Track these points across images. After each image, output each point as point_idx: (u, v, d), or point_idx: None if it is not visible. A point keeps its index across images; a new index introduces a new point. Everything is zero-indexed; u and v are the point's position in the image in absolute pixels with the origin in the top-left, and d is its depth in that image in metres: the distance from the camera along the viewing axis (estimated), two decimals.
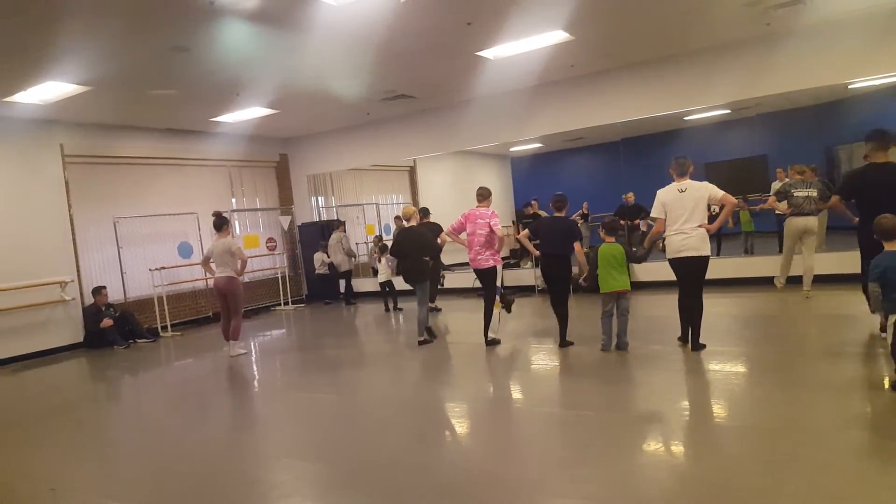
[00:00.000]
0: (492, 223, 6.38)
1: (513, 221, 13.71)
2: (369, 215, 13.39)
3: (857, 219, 5.39)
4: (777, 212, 7.53)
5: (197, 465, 4.06)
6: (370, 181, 13.51)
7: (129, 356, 8.49)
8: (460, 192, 12.12)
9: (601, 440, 3.76)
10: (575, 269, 6.10)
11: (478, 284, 6.97)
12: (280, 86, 8.55)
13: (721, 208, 5.43)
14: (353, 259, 11.72)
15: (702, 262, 5.33)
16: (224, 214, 7.58)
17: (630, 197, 11.50)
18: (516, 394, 5.17)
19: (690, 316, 5.49)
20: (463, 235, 6.69)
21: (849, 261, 5.60)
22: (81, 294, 9.39)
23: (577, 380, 5.25)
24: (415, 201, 12.94)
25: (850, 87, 8.33)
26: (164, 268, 10.01)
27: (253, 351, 7.97)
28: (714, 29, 7.86)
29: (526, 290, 10.48)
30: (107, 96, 8.02)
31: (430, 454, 3.89)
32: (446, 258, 9.40)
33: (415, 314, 7.17)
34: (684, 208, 5.29)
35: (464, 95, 10.30)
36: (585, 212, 12.46)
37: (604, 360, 5.61)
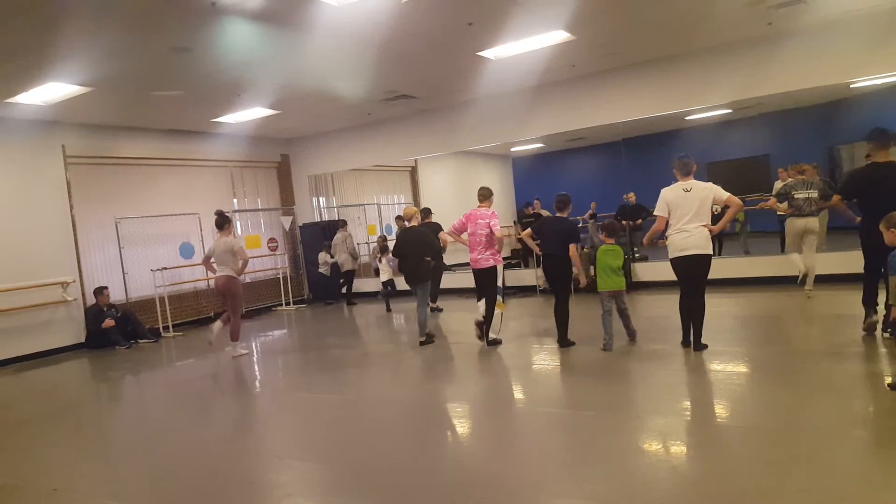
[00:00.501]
0: (491, 224, 6.38)
1: (514, 221, 13.69)
2: (370, 215, 13.39)
3: (858, 218, 5.38)
4: (779, 213, 7.52)
5: (198, 466, 4.07)
6: (371, 181, 13.51)
7: (131, 356, 8.50)
8: (461, 193, 12.11)
9: (603, 440, 3.76)
10: (575, 271, 6.11)
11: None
12: (281, 86, 8.55)
13: (724, 209, 5.42)
14: (356, 259, 11.72)
15: (704, 260, 5.31)
16: (226, 213, 7.59)
17: (631, 197, 11.48)
18: (518, 394, 5.17)
19: (693, 316, 5.47)
20: (464, 236, 6.69)
21: (850, 261, 5.60)
22: (83, 294, 9.40)
23: (579, 380, 5.25)
24: (416, 201, 12.92)
25: (852, 86, 8.31)
26: (165, 268, 10.02)
27: (254, 351, 7.98)
28: (715, 28, 7.86)
29: (527, 290, 10.48)
30: (108, 97, 8.04)
31: (431, 454, 3.89)
32: (448, 258, 9.40)
33: (414, 314, 7.17)
34: (689, 207, 5.28)
35: (465, 95, 10.29)
36: (593, 212, 12.43)
37: (605, 359, 5.61)
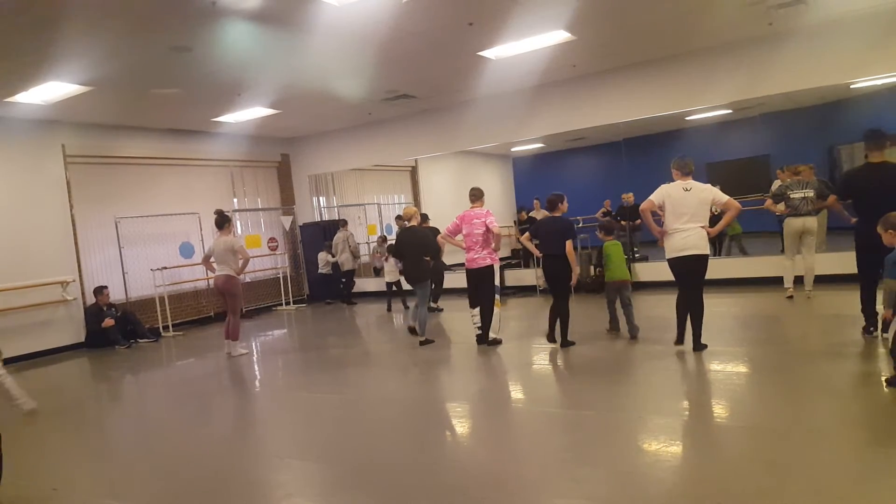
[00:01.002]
0: (488, 221, 6.41)
1: (514, 222, 13.69)
2: (371, 215, 13.39)
3: (854, 219, 5.39)
4: (777, 213, 7.53)
5: (199, 465, 4.07)
6: (371, 181, 13.50)
7: (131, 356, 8.50)
8: (462, 192, 11.99)
9: (602, 440, 3.76)
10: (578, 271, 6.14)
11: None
12: (282, 86, 8.55)
13: (722, 211, 5.42)
14: (357, 259, 11.71)
15: (702, 260, 5.31)
16: (226, 213, 7.59)
17: (629, 197, 11.48)
18: (517, 394, 5.17)
19: (691, 317, 5.45)
20: (459, 237, 6.70)
21: (850, 261, 5.58)
22: (83, 294, 9.40)
23: (579, 379, 5.25)
24: (416, 201, 12.92)
25: (852, 86, 8.31)
26: (165, 268, 10.02)
27: (254, 351, 7.98)
28: (716, 28, 7.85)
29: (527, 290, 10.48)
30: (108, 96, 8.03)
31: (431, 454, 3.89)
32: (448, 258, 9.40)
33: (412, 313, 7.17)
34: (687, 207, 5.28)
35: (465, 95, 10.29)
36: (608, 209, 12.39)
37: (605, 359, 5.61)
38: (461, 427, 4.45)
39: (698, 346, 5.44)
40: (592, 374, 5.27)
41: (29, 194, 8.91)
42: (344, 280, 11.60)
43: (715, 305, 6.84)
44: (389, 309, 10.17)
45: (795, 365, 4.93)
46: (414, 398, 5.26)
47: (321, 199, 13.25)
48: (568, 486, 3.18)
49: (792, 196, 7.23)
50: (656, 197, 5.43)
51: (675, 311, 5.57)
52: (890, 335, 4.12)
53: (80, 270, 9.42)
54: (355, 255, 11.57)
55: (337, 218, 12.47)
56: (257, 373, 6.89)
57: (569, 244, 6.01)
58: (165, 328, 9.89)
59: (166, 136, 10.66)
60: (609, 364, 5.48)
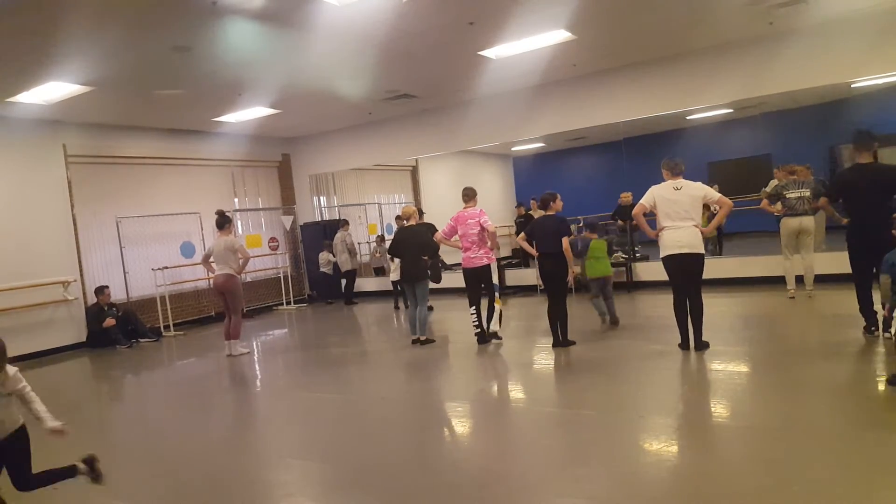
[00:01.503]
0: (482, 220, 6.44)
1: (515, 222, 13.69)
2: (371, 215, 13.39)
3: (845, 220, 5.40)
4: (775, 213, 7.53)
5: (200, 465, 4.08)
6: (372, 181, 13.51)
7: (132, 356, 8.51)
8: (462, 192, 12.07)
9: (603, 440, 3.77)
10: (577, 269, 6.14)
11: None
12: (282, 86, 8.56)
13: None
14: (355, 258, 11.71)
15: (697, 259, 5.30)
16: (227, 213, 7.59)
17: (628, 197, 11.46)
18: (517, 393, 5.18)
19: (692, 318, 5.43)
20: (455, 238, 6.71)
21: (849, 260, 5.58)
22: (84, 294, 9.41)
23: (579, 379, 5.24)
24: (417, 201, 12.92)
25: (853, 86, 8.31)
26: (166, 267, 10.03)
27: (255, 350, 7.98)
28: (716, 28, 7.85)
29: (527, 290, 10.48)
30: (109, 96, 8.04)
31: (432, 453, 3.89)
32: (447, 258, 9.40)
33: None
34: (679, 205, 5.28)
35: (466, 95, 10.29)
36: (628, 201, 12.26)
37: (605, 359, 5.61)
38: (461, 426, 4.46)
39: (700, 346, 5.43)
40: (593, 374, 5.27)
41: (30, 194, 8.93)
42: (345, 280, 11.59)
43: (715, 305, 6.85)
44: (397, 307, 10.17)
45: (796, 364, 4.93)
46: (414, 398, 5.26)
47: (322, 198, 13.25)
48: (568, 486, 3.18)
49: (788, 196, 7.23)
50: (646, 200, 5.45)
51: (675, 317, 5.51)
52: (892, 333, 4.11)
53: (81, 270, 9.43)
54: (353, 254, 11.57)
55: (337, 218, 12.48)
56: (258, 372, 6.90)
57: (565, 241, 5.99)
58: (166, 328, 9.90)
59: (167, 135, 10.67)
60: (609, 363, 5.48)
